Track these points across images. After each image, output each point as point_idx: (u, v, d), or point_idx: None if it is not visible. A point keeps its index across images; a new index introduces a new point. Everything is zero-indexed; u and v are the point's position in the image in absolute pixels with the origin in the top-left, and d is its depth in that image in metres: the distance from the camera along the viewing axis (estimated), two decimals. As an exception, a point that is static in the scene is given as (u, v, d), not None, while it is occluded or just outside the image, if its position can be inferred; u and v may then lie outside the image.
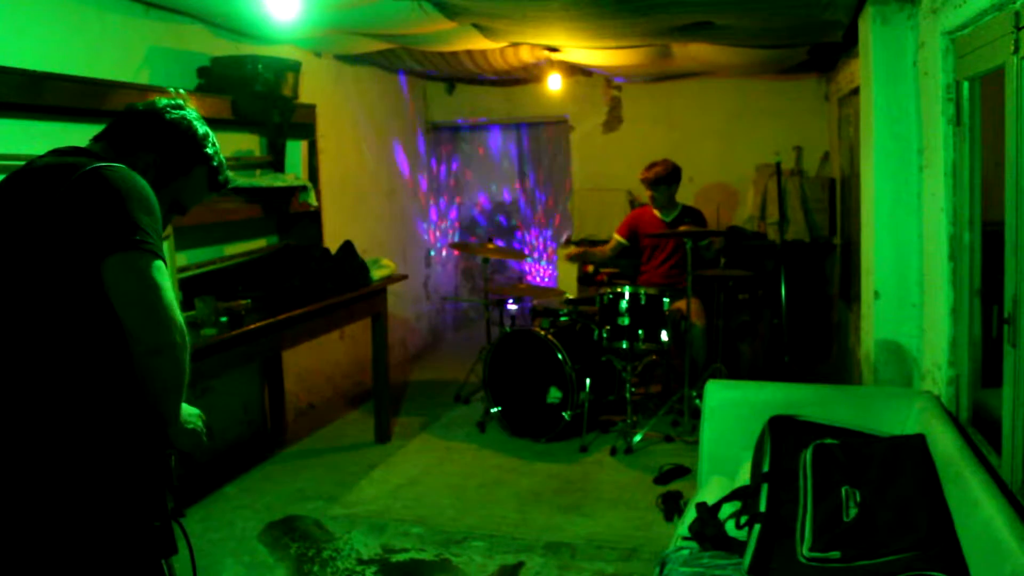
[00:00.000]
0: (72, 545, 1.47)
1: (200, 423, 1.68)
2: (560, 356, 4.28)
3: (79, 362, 1.49)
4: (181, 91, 1.84)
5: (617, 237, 5.10)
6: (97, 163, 1.53)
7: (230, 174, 1.87)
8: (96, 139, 1.71)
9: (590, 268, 5.69)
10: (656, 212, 4.99)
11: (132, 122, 1.72)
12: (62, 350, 1.48)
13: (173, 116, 1.73)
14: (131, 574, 1.54)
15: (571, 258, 5.30)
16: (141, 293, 1.46)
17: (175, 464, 1.65)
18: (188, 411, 1.65)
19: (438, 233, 7.12)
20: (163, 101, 1.76)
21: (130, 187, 1.52)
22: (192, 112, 1.78)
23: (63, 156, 1.59)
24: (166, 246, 2.95)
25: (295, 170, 4.58)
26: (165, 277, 1.50)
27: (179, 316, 1.51)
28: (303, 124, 4.50)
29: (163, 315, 1.47)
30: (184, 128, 1.74)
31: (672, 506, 3.45)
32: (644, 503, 3.59)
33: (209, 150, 1.78)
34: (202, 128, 1.77)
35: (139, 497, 1.54)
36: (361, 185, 5.72)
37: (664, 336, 4.26)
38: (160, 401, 1.54)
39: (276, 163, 4.42)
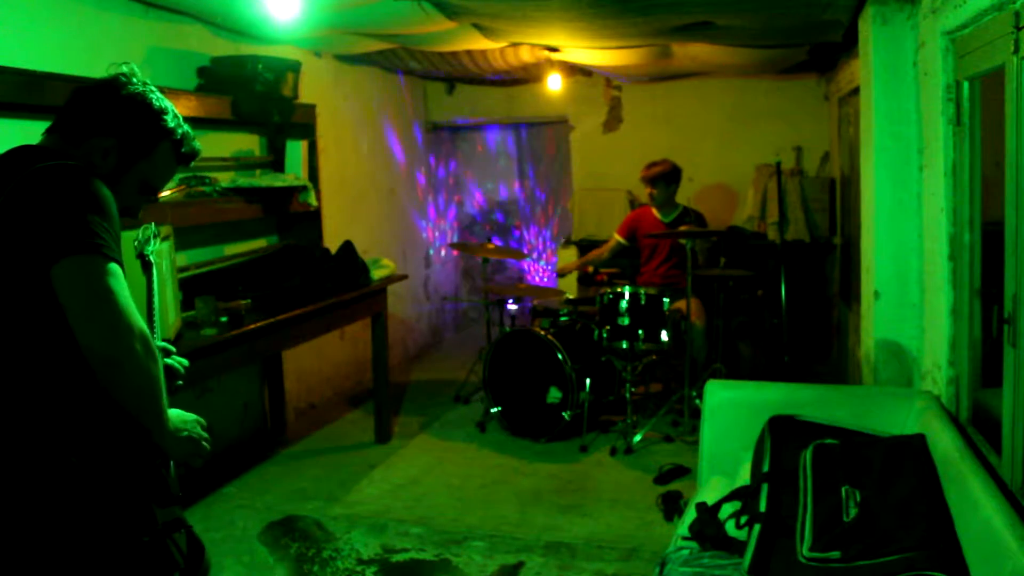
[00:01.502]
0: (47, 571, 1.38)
1: (199, 429, 1.58)
2: (560, 356, 4.28)
3: (37, 377, 1.40)
4: (134, 67, 1.67)
5: (617, 237, 5.10)
6: (44, 162, 1.43)
7: (197, 144, 1.70)
8: (49, 131, 1.58)
9: (590, 268, 5.70)
10: (656, 213, 4.99)
11: (84, 105, 1.58)
12: (17, 364, 1.40)
13: (129, 91, 1.58)
14: None
15: (565, 273, 5.33)
16: (91, 300, 1.35)
17: (174, 474, 1.57)
18: (183, 418, 1.56)
19: (438, 233, 7.12)
20: (113, 76, 1.61)
21: (79, 186, 1.41)
22: (147, 84, 1.63)
23: (8, 156, 1.49)
24: (166, 246, 2.94)
25: (295, 170, 4.58)
26: (120, 282, 1.39)
27: (138, 323, 1.39)
28: (303, 124, 4.50)
29: (117, 323, 1.35)
30: (141, 103, 1.59)
31: (672, 506, 3.45)
32: (644, 503, 3.59)
33: (170, 123, 1.62)
34: (159, 101, 1.62)
35: (118, 513, 1.43)
36: (361, 185, 5.72)
37: (664, 336, 4.26)
38: (133, 411, 1.43)
39: (276, 163, 4.42)
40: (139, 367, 1.39)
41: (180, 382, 1.68)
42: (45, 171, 1.42)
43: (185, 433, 1.55)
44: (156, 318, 1.68)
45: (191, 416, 1.60)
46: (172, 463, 1.58)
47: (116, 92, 1.59)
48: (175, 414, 1.55)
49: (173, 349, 1.71)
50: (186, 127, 1.68)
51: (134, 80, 1.62)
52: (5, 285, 1.40)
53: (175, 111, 1.67)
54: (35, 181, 1.41)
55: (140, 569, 1.45)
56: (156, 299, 1.71)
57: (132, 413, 1.44)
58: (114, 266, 1.39)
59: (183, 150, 1.68)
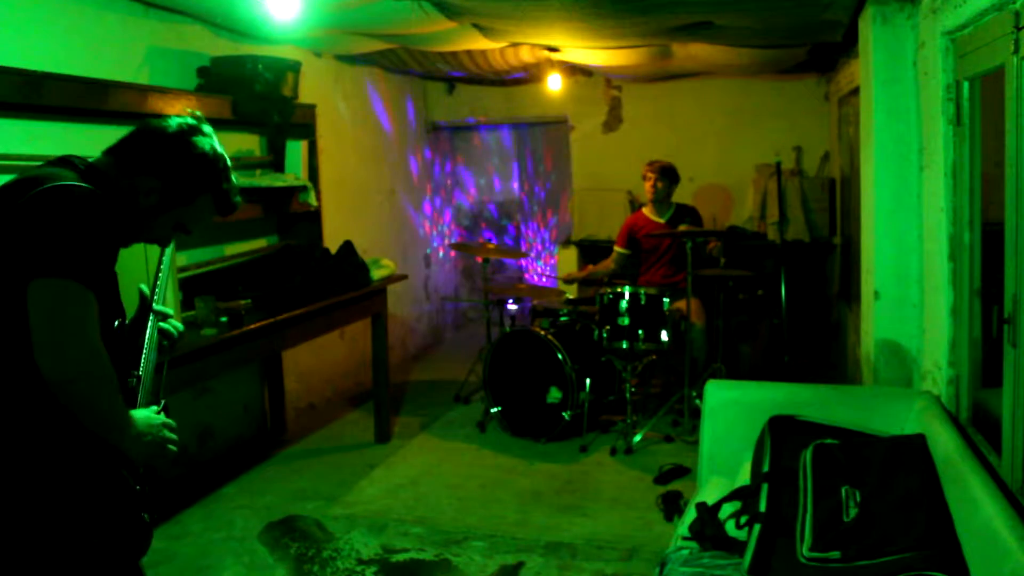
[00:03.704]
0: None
1: (165, 432, 1.61)
2: (560, 356, 4.28)
3: (11, 382, 1.46)
4: (197, 113, 1.73)
5: (618, 249, 5.09)
6: (60, 181, 1.47)
7: (238, 199, 1.79)
8: (108, 152, 1.66)
9: (590, 268, 5.70)
10: (651, 215, 5.00)
11: (146, 144, 1.65)
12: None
13: (190, 141, 1.66)
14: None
15: (571, 281, 5.29)
16: (50, 323, 1.41)
17: (140, 477, 1.60)
18: (150, 422, 1.59)
19: (437, 233, 7.12)
20: (179, 122, 1.68)
21: (76, 209, 1.46)
22: (210, 139, 1.71)
23: (45, 167, 1.56)
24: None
25: (295, 170, 4.58)
26: (84, 308, 1.43)
27: (91, 348, 1.44)
28: (303, 124, 4.50)
29: (67, 349, 1.42)
30: (197, 156, 1.67)
31: (672, 506, 3.45)
32: (644, 503, 3.59)
33: (215, 178, 1.71)
34: (214, 154, 1.70)
35: (75, 519, 1.49)
36: (361, 185, 5.72)
37: (664, 336, 4.26)
38: (90, 426, 1.49)
39: (276, 163, 4.42)
40: (84, 391, 1.45)
41: (166, 342, 1.79)
42: (52, 191, 1.46)
43: (149, 438, 1.58)
44: (159, 290, 1.81)
45: (158, 420, 1.63)
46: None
47: (184, 144, 1.67)
48: (142, 417, 1.58)
49: (171, 312, 1.82)
50: (233, 180, 1.76)
51: (199, 128, 1.70)
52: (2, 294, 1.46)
53: (227, 162, 1.74)
54: (39, 199, 1.46)
55: (121, 546, 1.54)
56: (163, 276, 1.84)
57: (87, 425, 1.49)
58: (82, 290, 1.44)
59: (224, 204, 1.77)
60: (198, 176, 1.69)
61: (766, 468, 2.25)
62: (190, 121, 1.70)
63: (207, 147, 1.69)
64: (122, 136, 1.69)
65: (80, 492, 1.50)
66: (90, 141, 2.47)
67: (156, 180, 1.64)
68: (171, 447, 1.63)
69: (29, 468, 1.46)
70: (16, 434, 1.46)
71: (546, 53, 4.94)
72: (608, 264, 5.16)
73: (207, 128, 1.73)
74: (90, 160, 1.63)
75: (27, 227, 1.45)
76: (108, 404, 1.50)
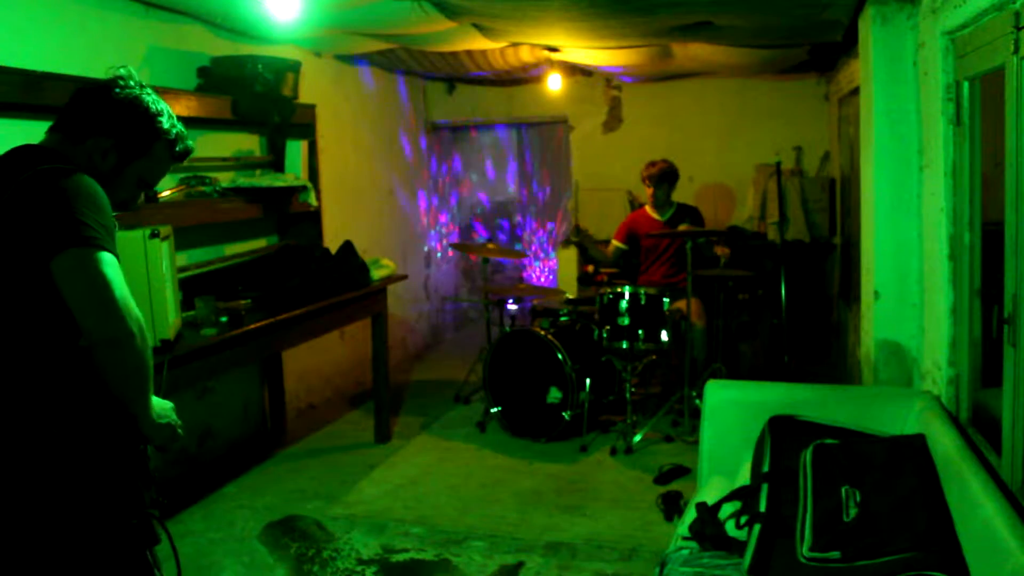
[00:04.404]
0: (41, 549, 1.49)
1: (174, 415, 1.67)
2: (560, 356, 4.28)
3: (35, 362, 1.50)
4: (131, 70, 1.75)
5: (615, 243, 5.09)
6: (43, 165, 1.53)
7: (191, 143, 1.80)
8: (51, 130, 1.68)
9: (590, 268, 5.70)
10: (652, 213, 5.00)
11: (84, 107, 1.68)
12: (17, 354, 1.50)
13: (123, 95, 1.68)
14: (114, 570, 1.57)
15: (569, 240, 5.25)
16: (89, 288, 1.45)
17: (151, 456, 1.66)
18: (162, 405, 1.65)
19: (438, 233, 7.12)
20: (111, 79, 1.71)
21: (73, 186, 1.51)
22: (144, 88, 1.73)
23: (11, 156, 1.59)
24: (165, 246, 2.94)
25: (295, 170, 4.58)
26: (114, 270, 1.49)
27: (133, 309, 1.49)
28: (303, 124, 4.49)
29: (113, 308, 1.46)
30: (136, 106, 1.68)
31: (672, 506, 3.45)
32: (644, 503, 3.59)
33: (164, 124, 1.72)
34: (154, 104, 1.72)
35: (111, 495, 1.54)
36: (361, 185, 5.72)
37: (664, 336, 4.26)
38: (124, 395, 1.53)
39: (276, 163, 4.42)
40: (135, 349, 1.49)
41: None
42: (44, 173, 1.52)
43: (165, 420, 1.64)
44: None
45: (167, 403, 1.68)
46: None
47: (114, 95, 1.68)
48: (154, 401, 1.63)
49: None
50: (180, 126, 1.78)
51: (131, 83, 1.71)
52: (9, 279, 1.49)
53: (169, 111, 1.76)
54: (35, 183, 1.51)
55: (128, 548, 1.58)
56: None
57: (121, 398, 1.53)
58: (108, 255, 1.49)
59: (177, 149, 1.78)
60: (146, 124, 1.70)
61: (766, 468, 2.25)
62: (120, 72, 1.72)
63: (145, 95, 1.71)
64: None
65: (95, 482, 1.52)
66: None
67: (109, 138, 1.66)
68: (179, 431, 1.68)
69: (46, 454, 1.49)
70: (31, 422, 1.49)
71: (546, 53, 4.94)
72: (605, 251, 5.16)
73: (141, 82, 1.74)
74: (38, 144, 1.64)
75: (34, 209, 1.48)
76: (149, 372, 1.53)
